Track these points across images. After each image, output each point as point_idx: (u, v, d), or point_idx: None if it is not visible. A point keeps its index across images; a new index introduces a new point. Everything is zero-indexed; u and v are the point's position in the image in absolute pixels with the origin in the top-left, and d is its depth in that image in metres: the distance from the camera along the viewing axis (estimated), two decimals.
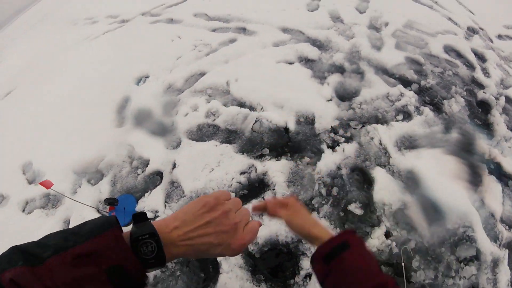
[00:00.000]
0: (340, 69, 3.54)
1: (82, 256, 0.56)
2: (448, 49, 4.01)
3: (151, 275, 2.42)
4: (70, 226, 2.81)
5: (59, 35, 7.27)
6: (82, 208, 2.85)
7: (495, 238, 2.45)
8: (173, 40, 4.44)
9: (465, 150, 2.88)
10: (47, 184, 2.52)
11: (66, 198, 2.96)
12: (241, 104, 3.27)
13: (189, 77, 3.76)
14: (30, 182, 3.31)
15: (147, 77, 3.99)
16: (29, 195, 3.21)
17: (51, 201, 3.13)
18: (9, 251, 0.60)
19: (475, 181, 2.70)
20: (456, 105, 3.20)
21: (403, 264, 2.17)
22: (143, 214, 0.67)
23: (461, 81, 3.54)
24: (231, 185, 2.68)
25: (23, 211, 3.15)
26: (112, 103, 3.75)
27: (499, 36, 4.73)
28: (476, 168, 2.79)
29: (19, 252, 0.58)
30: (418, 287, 2.19)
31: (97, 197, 2.96)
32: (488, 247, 2.35)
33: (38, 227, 2.95)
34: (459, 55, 3.97)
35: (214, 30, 4.51)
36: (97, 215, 2.81)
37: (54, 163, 3.35)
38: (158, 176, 2.95)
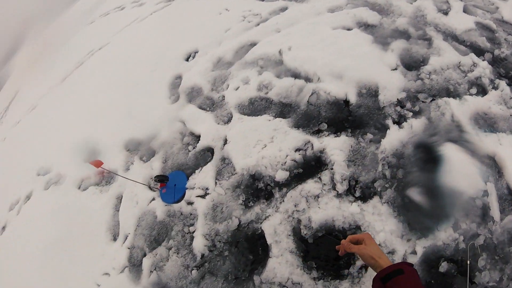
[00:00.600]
0: (405, 35, 3.02)
1: None
2: None
3: (198, 254, 2.25)
4: (123, 203, 2.74)
5: (109, 21, 7.41)
6: (134, 185, 2.78)
7: None
8: (220, 13, 4.16)
9: None
10: (97, 164, 2.48)
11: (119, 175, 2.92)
12: (296, 75, 2.89)
13: (239, 49, 3.46)
14: (85, 161, 3.31)
15: (196, 52, 3.78)
16: (84, 173, 3.22)
17: (105, 178, 3.12)
18: None
19: None
20: None
21: (468, 261, 1.81)
22: None
23: None
24: (285, 162, 2.37)
25: (79, 188, 3.18)
26: (162, 81, 3.63)
27: None
28: None
29: None
30: None
31: (148, 174, 2.84)
32: None
33: (93, 203, 2.95)
34: None
35: (263, 0, 4.12)
36: (148, 192, 2.75)
37: (108, 142, 3.33)
38: (209, 152, 2.73)
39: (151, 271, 2.35)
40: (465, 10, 3.30)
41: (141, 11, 6.27)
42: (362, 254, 1.31)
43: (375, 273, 1.28)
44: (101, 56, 5.57)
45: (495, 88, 2.57)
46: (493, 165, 2.16)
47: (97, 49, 5.99)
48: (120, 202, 2.81)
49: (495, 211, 1.99)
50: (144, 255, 2.44)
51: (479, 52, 2.83)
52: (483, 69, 2.67)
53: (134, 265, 2.45)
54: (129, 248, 2.53)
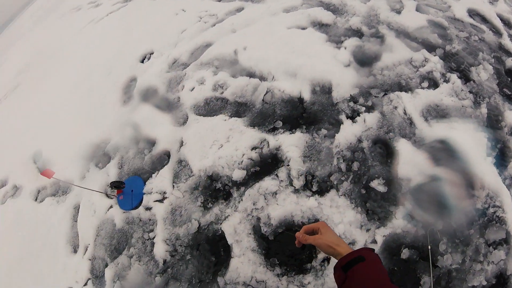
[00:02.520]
0: (358, 33, 3.20)
1: None
2: (473, 13, 3.61)
3: (160, 260, 2.28)
4: (80, 212, 2.73)
5: (65, 23, 7.30)
6: (90, 193, 2.77)
7: None
8: (177, 13, 4.22)
9: (495, 122, 2.58)
10: (48, 174, 2.47)
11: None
12: (251, 74, 3.00)
13: (194, 50, 3.52)
14: (40, 171, 3.25)
15: (151, 54, 3.81)
16: (40, 184, 3.22)
17: (61, 188, 3.10)
18: None
19: (506, 156, 2.41)
20: (484, 73, 2.86)
21: (429, 247, 1.93)
22: None
23: (488, 47, 3.17)
24: (242, 161, 2.45)
25: (36, 200, 3.17)
26: (117, 83, 3.64)
27: None
28: (507, 142, 2.49)
29: None
30: (444, 272, 1.96)
31: (105, 181, 2.85)
32: None
33: (51, 215, 2.94)
34: (484, 20, 3.58)
35: (219, 0, 4.23)
36: (106, 200, 2.75)
37: (62, 150, 3.33)
38: (165, 155, 2.76)
39: (114, 282, 2.35)
40: (417, 9, 3.53)
41: (97, 12, 6.22)
42: (319, 244, 1.25)
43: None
44: (55, 62, 5.47)
45: (447, 81, 2.77)
46: (442, 152, 2.33)
47: (52, 53, 5.90)
48: (78, 212, 2.80)
49: (451, 197, 2.14)
50: (106, 265, 2.45)
51: (430, 48, 3.04)
52: (435, 63, 2.87)
53: (97, 277, 2.45)
54: (90, 260, 2.53)
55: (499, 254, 2.02)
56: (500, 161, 2.37)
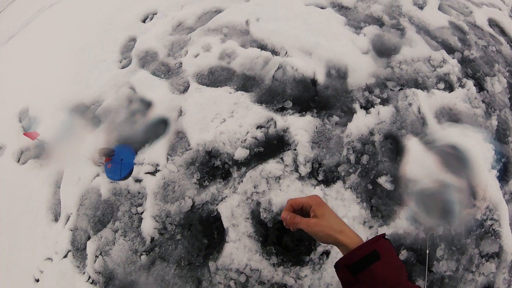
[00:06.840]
0: (378, 22, 3.12)
1: None
2: (493, 23, 3.61)
3: (147, 237, 2.19)
4: (64, 179, 2.56)
5: None
6: (76, 158, 2.63)
7: None
8: None
9: (503, 136, 2.64)
10: (32, 135, 2.37)
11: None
12: (262, 47, 2.86)
13: (202, 15, 3.36)
14: (25, 130, 3.15)
15: (154, 14, 3.63)
16: (24, 144, 3.07)
17: (46, 151, 2.94)
18: None
19: (508, 172, 2.49)
20: (498, 85, 2.89)
21: (427, 251, 1.98)
22: None
23: (504, 60, 3.20)
24: (245, 140, 2.34)
25: (18, 161, 3.04)
26: (115, 43, 3.46)
27: None
28: (511, 158, 2.56)
29: None
30: (438, 277, 2.02)
31: (93, 146, 2.64)
32: (511, 245, 2.20)
33: (32, 178, 2.80)
34: (502, 32, 3.59)
35: None
36: (92, 167, 2.56)
37: (51, 109, 3.14)
38: (161, 124, 2.60)
39: (96, 256, 2.26)
40: (440, 8, 3.48)
41: None
42: (314, 233, 0.96)
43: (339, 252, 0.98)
44: (50, 15, 5.20)
45: (462, 86, 2.76)
46: (451, 157, 2.32)
47: (47, 7, 5.59)
48: (61, 178, 2.65)
49: (454, 203, 2.16)
50: (88, 238, 2.34)
51: (449, 50, 3.01)
52: (452, 66, 2.84)
53: (78, 249, 2.35)
54: (71, 230, 2.41)
55: (490, 267, 2.12)
56: (503, 176, 2.43)
